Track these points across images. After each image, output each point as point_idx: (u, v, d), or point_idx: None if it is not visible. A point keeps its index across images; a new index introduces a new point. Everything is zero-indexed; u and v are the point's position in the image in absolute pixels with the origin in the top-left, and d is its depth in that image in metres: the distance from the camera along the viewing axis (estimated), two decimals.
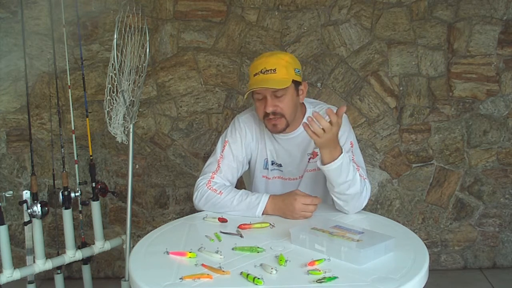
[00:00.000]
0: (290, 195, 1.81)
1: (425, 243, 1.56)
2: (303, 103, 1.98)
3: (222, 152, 1.96)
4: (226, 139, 1.99)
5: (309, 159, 1.98)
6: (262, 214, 1.80)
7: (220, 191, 1.86)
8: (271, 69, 1.81)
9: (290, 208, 1.78)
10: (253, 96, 1.90)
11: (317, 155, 1.87)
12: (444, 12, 2.90)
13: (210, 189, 1.88)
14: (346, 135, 1.89)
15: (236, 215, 1.80)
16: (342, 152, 1.71)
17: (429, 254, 1.47)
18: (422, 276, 1.34)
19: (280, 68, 1.81)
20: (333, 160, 1.70)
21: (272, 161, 2.01)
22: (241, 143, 1.98)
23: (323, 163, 1.73)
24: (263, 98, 1.85)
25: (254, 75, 1.84)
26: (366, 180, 1.82)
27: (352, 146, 1.89)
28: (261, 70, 1.82)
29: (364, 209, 1.85)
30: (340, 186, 1.75)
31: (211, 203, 1.86)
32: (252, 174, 2.10)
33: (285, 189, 1.94)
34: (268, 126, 1.90)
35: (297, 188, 1.96)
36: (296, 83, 1.87)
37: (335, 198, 1.81)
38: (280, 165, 2.01)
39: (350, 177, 1.74)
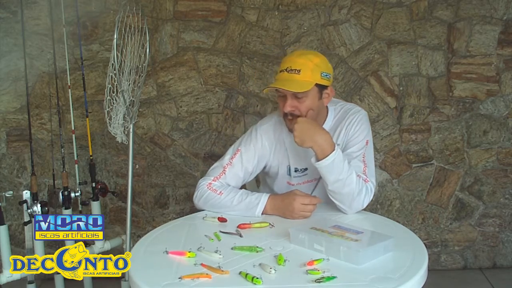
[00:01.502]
0: (289, 195, 1.81)
1: (425, 243, 1.56)
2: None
3: (231, 159, 1.94)
4: (239, 148, 1.95)
5: None
6: (262, 213, 1.80)
7: (220, 192, 1.86)
8: (296, 69, 1.79)
9: (289, 208, 1.78)
10: (276, 92, 1.88)
11: None
12: (444, 12, 2.90)
13: (210, 189, 1.87)
14: (365, 133, 1.90)
15: (236, 215, 1.80)
16: (334, 150, 1.73)
17: (429, 254, 1.47)
18: (421, 276, 1.34)
19: (305, 70, 1.79)
20: (325, 157, 1.72)
21: (295, 168, 1.98)
22: (254, 155, 1.95)
23: (317, 160, 1.75)
24: (284, 96, 1.84)
25: (280, 71, 1.83)
26: (369, 182, 1.81)
27: (367, 144, 1.89)
28: (286, 68, 1.81)
29: (364, 209, 1.85)
30: (333, 184, 1.76)
31: (211, 204, 1.86)
32: (272, 180, 2.08)
33: (310, 191, 1.95)
34: (287, 124, 1.90)
35: (315, 187, 1.97)
36: (321, 87, 1.85)
37: (331, 197, 1.82)
38: (305, 169, 1.98)
39: (344, 176, 1.74)
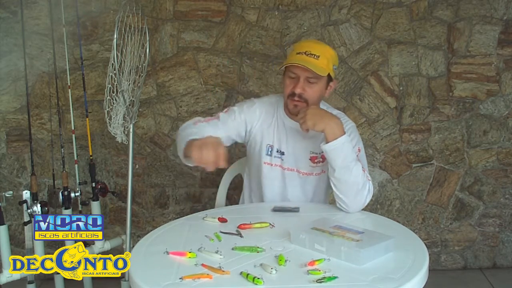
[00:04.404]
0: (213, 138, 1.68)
1: (425, 243, 1.56)
2: None
3: (224, 112, 1.99)
4: (234, 107, 2.00)
5: (312, 159, 1.98)
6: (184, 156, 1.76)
7: (196, 123, 1.90)
8: (315, 55, 1.85)
9: (207, 145, 1.64)
10: (285, 73, 1.92)
11: (316, 159, 1.95)
12: (444, 12, 2.90)
13: (193, 122, 1.92)
14: (356, 141, 1.92)
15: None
16: (345, 134, 1.77)
17: (429, 254, 1.47)
18: (422, 276, 1.34)
19: (323, 57, 1.85)
20: (336, 139, 1.75)
21: (277, 149, 2.01)
22: (244, 113, 1.98)
23: (326, 142, 1.77)
24: (295, 77, 1.88)
25: (297, 53, 1.86)
26: (370, 180, 1.84)
27: (359, 151, 1.91)
28: (305, 52, 1.85)
29: (364, 209, 1.85)
30: (340, 169, 1.78)
31: (184, 131, 1.84)
32: (251, 159, 2.08)
33: (284, 179, 1.98)
34: (289, 105, 1.92)
35: (300, 185, 1.99)
36: (329, 78, 1.91)
37: (334, 189, 1.81)
38: (282, 153, 2.01)
39: (352, 163, 1.77)
